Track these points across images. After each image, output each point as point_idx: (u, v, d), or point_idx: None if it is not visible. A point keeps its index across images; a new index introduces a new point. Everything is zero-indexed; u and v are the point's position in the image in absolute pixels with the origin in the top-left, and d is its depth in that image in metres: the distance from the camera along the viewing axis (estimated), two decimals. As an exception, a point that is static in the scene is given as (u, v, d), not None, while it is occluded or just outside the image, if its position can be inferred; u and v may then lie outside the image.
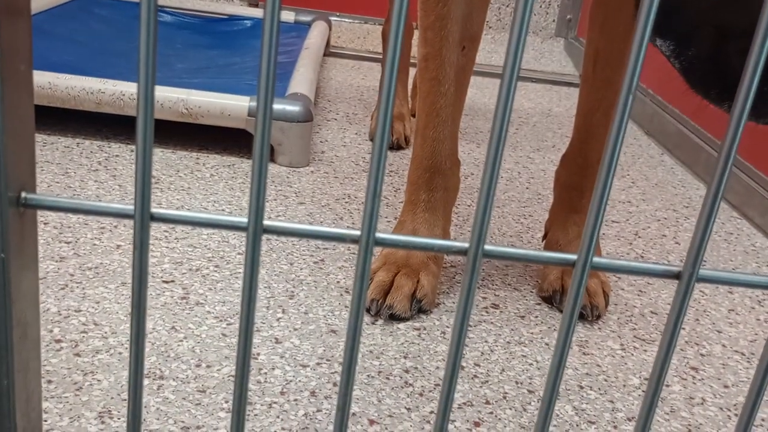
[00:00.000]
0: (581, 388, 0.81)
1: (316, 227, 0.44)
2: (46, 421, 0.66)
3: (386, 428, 0.71)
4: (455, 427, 0.72)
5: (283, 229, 0.42)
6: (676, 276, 0.45)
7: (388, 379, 0.78)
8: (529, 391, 0.79)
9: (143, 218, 0.41)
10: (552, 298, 0.97)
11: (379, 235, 0.43)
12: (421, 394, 0.76)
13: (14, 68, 0.40)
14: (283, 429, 0.69)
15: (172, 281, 0.90)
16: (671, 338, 0.45)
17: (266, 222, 0.41)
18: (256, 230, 0.41)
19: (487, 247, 0.42)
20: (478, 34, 0.93)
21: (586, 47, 0.98)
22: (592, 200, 0.40)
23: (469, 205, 1.27)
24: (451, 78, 0.90)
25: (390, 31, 0.35)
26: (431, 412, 0.73)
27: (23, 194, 0.42)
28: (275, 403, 0.72)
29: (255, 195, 0.40)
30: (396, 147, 1.50)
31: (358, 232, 0.42)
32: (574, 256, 0.43)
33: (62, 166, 1.19)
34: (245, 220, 0.41)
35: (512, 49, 0.36)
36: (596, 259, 0.43)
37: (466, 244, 0.41)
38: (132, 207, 0.41)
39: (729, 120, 0.37)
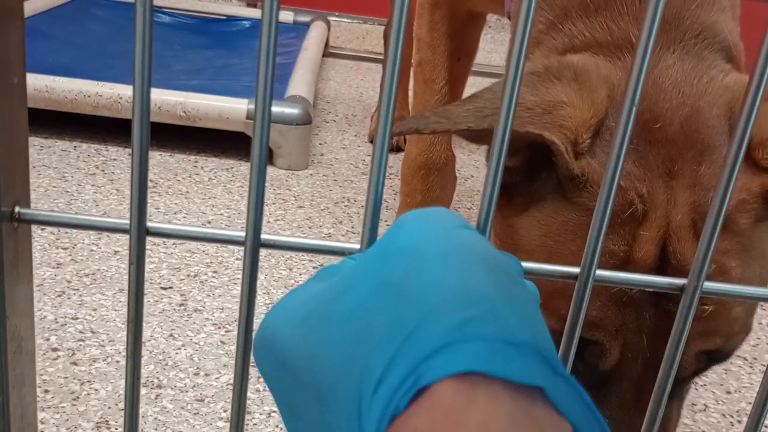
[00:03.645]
0: (583, 394, 0.80)
1: (315, 241, 0.43)
2: (42, 432, 0.65)
3: (386, 437, 0.70)
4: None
5: (282, 243, 0.42)
6: (680, 289, 0.44)
7: (388, 386, 0.77)
8: (531, 398, 0.78)
9: (139, 233, 0.40)
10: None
11: (378, 248, 0.42)
12: (421, 402, 0.75)
13: (6, 81, 0.39)
14: (282, 439, 0.68)
15: (170, 287, 0.89)
16: (675, 351, 0.45)
17: (264, 236, 0.41)
18: (253, 245, 0.40)
19: (488, 260, 0.41)
20: (474, 47, 0.98)
21: None
22: (595, 213, 0.39)
23: (469, 208, 1.26)
24: (444, 79, 0.93)
25: (391, 32, 0.35)
26: (432, 421, 0.73)
27: (17, 209, 0.41)
28: (274, 412, 0.71)
29: (253, 209, 0.40)
30: (396, 149, 1.49)
31: (357, 246, 0.42)
32: (576, 270, 0.42)
33: (59, 170, 1.18)
34: (242, 234, 0.40)
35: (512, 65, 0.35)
36: (599, 272, 0.42)
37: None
38: (127, 221, 0.40)
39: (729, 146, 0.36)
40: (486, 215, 0.39)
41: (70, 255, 0.94)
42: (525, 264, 0.44)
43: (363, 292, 0.27)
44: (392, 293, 0.26)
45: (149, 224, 0.40)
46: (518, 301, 0.26)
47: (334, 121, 1.63)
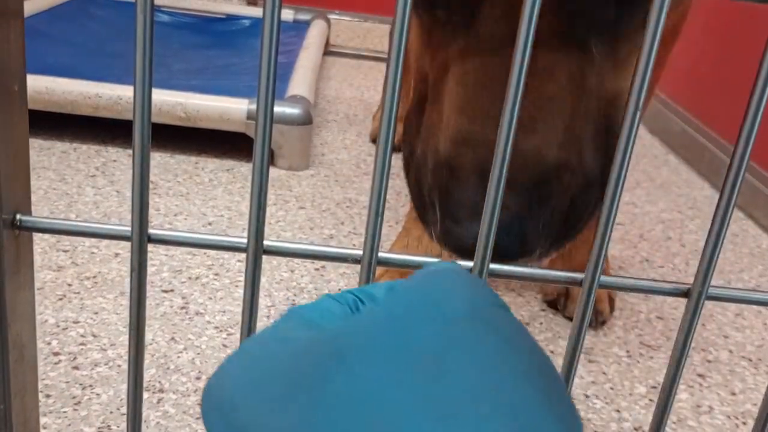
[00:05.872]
0: (587, 396, 0.80)
1: (318, 247, 0.43)
2: (44, 437, 0.65)
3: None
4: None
5: (284, 249, 0.41)
6: (685, 294, 0.44)
7: (390, 389, 0.77)
8: (534, 400, 0.78)
9: (141, 240, 0.40)
10: (557, 302, 0.96)
11: (381, 254, 0.42)
12: (424, 405, 0.75)
13: (6, 88, 0.39)
14: (285, 442, 0.68)
15: (171, 290, 0.89)
16: (680, 356, 0.44)
17: (267, 242, 0.40)
18: (256, 252, 0.40)
19: (492, 266, 0.41)
20: None
21: None
22: (600, 220, 0.39)
23: (470, 208, 1.26)
24: None
25: (394, 29, 0.35)
26: (435, 424, 0.72)
27: (18, 216, 0.41)
28: (277, 415, 0.71)
29: (255, 215, 0.39)
30: (398, 149, 1.49)
31: (359, 252, 0.41)
32: (581, 275, 0.42)
33: (59, 171, 1.18)
34: (245, 240, 0.40)
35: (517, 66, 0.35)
36: (603, 278, 0.42)
37: (470, 263, 0.41)
38: (129, 228, 0.40)
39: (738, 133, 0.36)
40: (489, 233, 0.38)
41: (71, 258, 0.93)
42: (525, 269, 0.43)
43: (376, 372, 0.21)
44: (420, 389, 0.20)
45: (151, 231, 0.40)
46: (565, 420, 0.22)
47: (335, 120, 1.63)
